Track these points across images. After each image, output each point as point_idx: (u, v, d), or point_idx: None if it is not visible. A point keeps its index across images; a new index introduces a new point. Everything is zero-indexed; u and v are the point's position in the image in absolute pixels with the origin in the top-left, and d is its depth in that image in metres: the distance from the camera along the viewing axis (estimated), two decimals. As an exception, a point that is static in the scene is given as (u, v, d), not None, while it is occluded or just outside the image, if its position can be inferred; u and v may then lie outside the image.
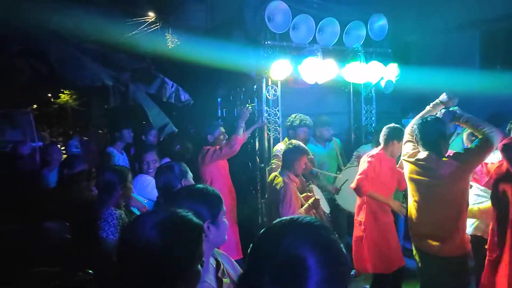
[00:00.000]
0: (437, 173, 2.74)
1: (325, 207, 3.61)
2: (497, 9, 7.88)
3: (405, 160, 3.02)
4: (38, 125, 5.17)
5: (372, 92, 5.24)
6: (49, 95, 17.31)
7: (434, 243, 2.81)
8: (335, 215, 4.24)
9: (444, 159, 2.77)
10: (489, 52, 8.55)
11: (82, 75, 4.42)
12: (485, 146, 2.68)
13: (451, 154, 2.81)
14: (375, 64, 4.66)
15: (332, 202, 4.27)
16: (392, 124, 3.67)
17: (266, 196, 4.15)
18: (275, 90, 4.43)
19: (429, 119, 2.92)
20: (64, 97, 18.35)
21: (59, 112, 19.30)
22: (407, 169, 2.99)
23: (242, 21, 4.26)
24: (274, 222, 1.08)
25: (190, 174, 2.60)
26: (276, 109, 4.47)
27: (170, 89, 5.22)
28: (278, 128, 4.50)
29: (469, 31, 8.62)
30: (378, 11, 4.89)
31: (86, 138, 7.40)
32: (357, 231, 3.71)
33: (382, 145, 3.65)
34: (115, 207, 2.57)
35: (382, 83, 4.80)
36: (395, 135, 3.55)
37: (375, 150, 3.72)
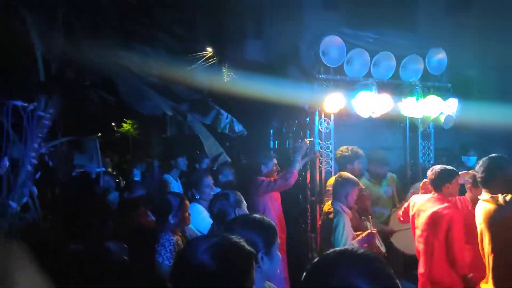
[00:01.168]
0: None
1: (380, 245, 3.47)
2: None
3: None
4: (102, 152, 5.53)
5: (430, 127, 5.07)
6: (113, 124, 18.46)
7: None
8: (389, 256, 4.05)
9: None
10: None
11: (146, 105, 4.71)
12: None
13: None
14: (433, 99, 4.54)
15: (385, 241, 4.09)
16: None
17: (317, 230, 4.08)
18: (328, 123, 4.43)
19: None
20: (126, 126, 19.51)
21: (121, 140, 20.50)
22: None
23: (297, 55, 4.37)
24: (327, 252, 1.07)
25: (244, 204, 2.65)
26: (329, 142, 4.46)
27: (224, 120, 5.39)
28: (330, 161, 4.46)
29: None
30: (436, 45, 4.80)
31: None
32: None
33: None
34: (172, 233, 2.66)
35: (442, 118, 4.65)
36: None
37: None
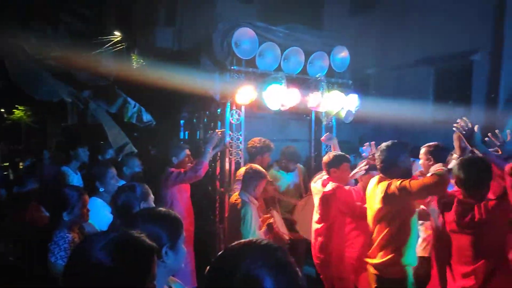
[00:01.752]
0: None
1: (284, 233, 3.61)
2: (450, 47, 8.48)
3: None
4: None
5: (333, 121, 5.39)
6: (2, 110, 16.51)
7: None
8: (294, 243, 4.25)
9: None
10: (442, 88, 9.13)
11: (40, 90, 4.27)
12: None
13: None
14: (336, 94, 4.81)
15: (291, 229, 4.28)
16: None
17: (225, 221, 4.10)
18: (239, 115, 4.47)
19: None
20: (18, 113, 17.57)
21: (12, 129, 18.39)
22: None
23: (210, 45, 4.30)
24: (232, 244, 1.07)
25: (151, 197, 2.54)
26: (239, 134, 4.50)
27: (132, 109, 5.14)
28: (240, 153, 4.51)
29: (424, 67, 9.20)
30: (340, 44, 5.10)
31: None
32: None
33: None
34: (68, 230, 2.45)
35: (343, 113, 4.95)
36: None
37: None
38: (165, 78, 4.72)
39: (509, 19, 7.58)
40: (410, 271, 3.05)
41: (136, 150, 5.05)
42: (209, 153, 4.08)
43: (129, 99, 5.33)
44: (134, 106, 5.21)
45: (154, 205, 2.51)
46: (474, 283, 2.57)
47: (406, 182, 2.88)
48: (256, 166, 3.60)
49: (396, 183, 2.92)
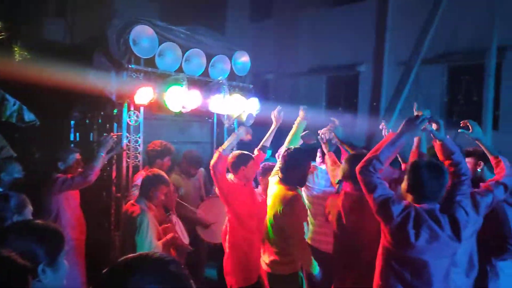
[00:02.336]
0: None
1: (184, 238, 3.54)
2: (340, 59, 9.23)
3: None
4: None
5: (235, 123, 5.46)
6: None
7: None
8: (196, 246, 4.19)
9: None
10: (333, 95, 9.90)
11: None
12: None
13: None
14: (237, 97, 4.89)
15: (193, 232, 4.22)
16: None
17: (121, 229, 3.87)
18: (137, 116, 4.26)
19: None
20: None
21: None
22: None
23: (105, 42, 4.03)
24: (122, 258, 1.00)
25: (29, 209, 2.26)
26: (138, 136, 4.29)
27: (11, 107, 4.54)
28: (139, 156, 4.31)
29: (317, 76, 9.87)
30: (241, 48, 5.20)
31: None
32: None
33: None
34: None
35: (244, 116, 5.05)
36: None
37: None
38: (53, 74, 4.28)
39: (389, 36, 8.53)
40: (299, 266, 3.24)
41: (15, 154, 4.49)
42: (102, 158, 3.79)
43: (7, 95, 4.71)
44: (14, 104, 4.61)
45: (30, 217, 2.23)
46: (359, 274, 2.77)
47: None
48: (157, 171, 3.47)
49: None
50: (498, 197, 2.54)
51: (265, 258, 3.28)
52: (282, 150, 3.69)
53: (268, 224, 3.26)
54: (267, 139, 4.01)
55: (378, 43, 8.74)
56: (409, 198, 2.37)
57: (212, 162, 3.59)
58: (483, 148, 2.81)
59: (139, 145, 4.31)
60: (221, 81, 4.63)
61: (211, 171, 3.59)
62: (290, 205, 3.08)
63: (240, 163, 3.65)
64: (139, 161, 4.31)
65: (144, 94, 4.01)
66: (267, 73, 10.51)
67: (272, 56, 10.25)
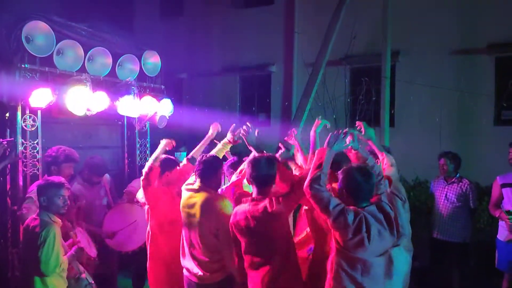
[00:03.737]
0: None
1: (91, 251, 3.31)
2: (252, 59, 9.41)
3: None
4: None
5: (147, 126, 5.27)
6: None
7: None
8: (104, 256, 3.96)
9: None
10: (247, 95, 10.07)
11: None
12: None
13: None
14: (148, 99, 4.71)
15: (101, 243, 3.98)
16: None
17: (19, 244, 3.50)
18: (33, 120, 3.88)
19: None
20: None
21: None
22: None
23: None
24: None
25: None
26: (35, 142, 3.91)
27: None
28: (37, 164, 3.93)
29: (230, 76, 9.95)
30: (151, 48, 5.02)
31: None
32: None
33: None
34: None
35: (156, 118, 4.89)
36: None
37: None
38: None
39: (297, 38, 8.93)
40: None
41: None
42: None
43: None
44: None
45: None
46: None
47: None
48: (49, 178, 3.17)
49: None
50: (384, 189, 2.79)
51: (192, 268, 3.16)
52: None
53: (193, 231, 3.16)
54: (198, 150, 3.88)
55: (287, 44, 9.10)
56: (349, 202, 2.52)
57: (144, 173, 3.54)
58: (373, 147, 3.11)
59: (37, 152, 3.93)
60: (129, 82, 4.42)
61: (142, 183, 3.54)
62: (219, 207, 3.07)
63: (164, 168, 3.62)
64: (38, 169, 3.93)
65: (41, 96, 3.66)
66: (180, 73, 10.32)
67: (185, 54, 10.09)
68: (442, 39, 7.48)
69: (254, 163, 2.81)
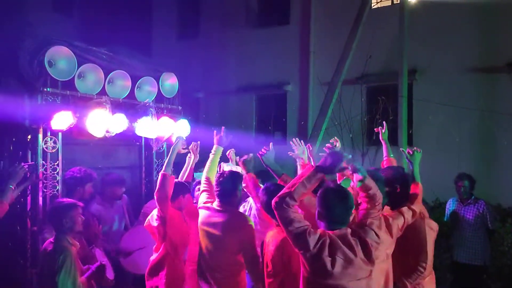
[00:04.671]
0: None
1: (109, 274, 3.32)
2: (268, 78, 9.47)
3: None
4: None
5: (164, 146, 5.31)
6: None
7: None
8: (119, 278, 3.96)
9: None
10: (262, 114, 10.09)
11: None
12: None
13: None
14: (166, 120, 4.77)
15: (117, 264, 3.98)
16: None
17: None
18: (54, 142, 3.96)
19: None
20: None
21: None
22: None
23: (16, 62, 3.72)
24: None
25: None
26: (56, 164, 3.98)
27: None
28: (57, 185, 3.99)
29: (246, 94, 10.01)
30: (168, 70, 5.11)
31: None
32: None
33: None
34: None
35: (173, 138, 4.93)
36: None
37: None
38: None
39: (313, 57, 8.97)
40: None
41: None
42: (11, 191, 3.42)
43: None
44: None
45: None
46: None
47: None
48: (60, 200, 3.22)
49: None
50: (408, 220, 2.73)
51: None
52: (203, 180, 3.61)
53: (213, 251, 3.16)
54: (185, 174, 3.90)
55: (303, 64, 9.13)
56: (322, 225, 2.44)
57: (157, 186, 3.46)
58: (414, 171, 3.18)
59: (57, 173, 3.99)
60: (147, 104, 4.49)
61: (156, 196, 3.45)
62: (244, 227, 3.11)
63: (178, 192, 3.61)
64: (57, 190, 3.98)
65: (62, 119, 3.74)
66: (197, 92, 10.44)
67: (201, 74, 10.22)
68: (460, 57, 7.40)
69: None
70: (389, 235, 2.57)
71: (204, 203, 3.38)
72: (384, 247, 2.53)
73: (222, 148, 3.73)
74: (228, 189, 3.20)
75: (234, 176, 3.28)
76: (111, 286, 3.30)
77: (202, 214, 3.34)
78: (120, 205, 4.47)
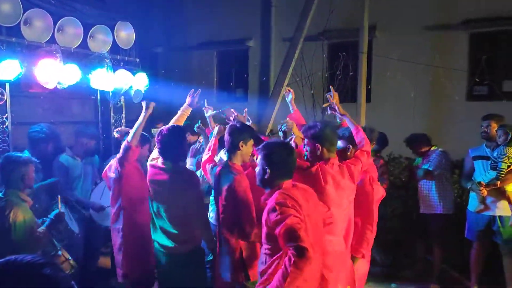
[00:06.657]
0: None
1: (73, 226, 3.25)
2: (230, 34, 9.22)
3: None
4: None
5: (122, 101, 5.13)
6: None
7: None
8: (88, 234, 3.92)
9: None
10: (224, 70, 9.90)
11: None
12: None
13: None
14: (123, 72, 4.58)
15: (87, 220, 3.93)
16: None
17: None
18: (1, 93, 3.71)
19: None
20: None
21: None
22: None
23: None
24: None
25: None
26: (4, 116, 3.75)
27: None
28: (7, 139, 3.78)
29: (207, 51, 9.74)
30: (124, 19, 4.84)
31: None
32: None
33: None
34: None
35: (131, 92, 4.76)
36: None
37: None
38: None
39: (274, 12, 8.79)
40: None
41: None
42: None
43: None
44: None
45: None
46: None
47: None
48: (14, 154, 3.07)
49: None
50: (364, 162, 2.85)
51: (162, 241, 3.17)
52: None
53: (162, 205, 3.14)
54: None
55: (264, 19, 8.94)
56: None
57: (120, 153, 3.24)
58: (348, 123, 3.13)
59: (6, 127, 3.77)
60: (102, 54, 4.27)
61: (118, 164, 3.25)
62: (187, 182, 3.09)
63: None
64: (8, 145, 3.78)
65: (8, 68, 3.49)
66: (156, 47, 10.02)
67: (161, 28, 9.77)
68: (418, 14, 7.50)
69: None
70: (351, 181, 2.67)
71: (152, 159, 3.28)
72: (346, 194, 2.63)
73: (191, 109, 3.63)
74: (169, 145, 3.06)
75: (175, 131, 3.12)
76: (77, 240, 3.24)
77: (150, 171, 3.26)
78: (91, 160, 4.37)
